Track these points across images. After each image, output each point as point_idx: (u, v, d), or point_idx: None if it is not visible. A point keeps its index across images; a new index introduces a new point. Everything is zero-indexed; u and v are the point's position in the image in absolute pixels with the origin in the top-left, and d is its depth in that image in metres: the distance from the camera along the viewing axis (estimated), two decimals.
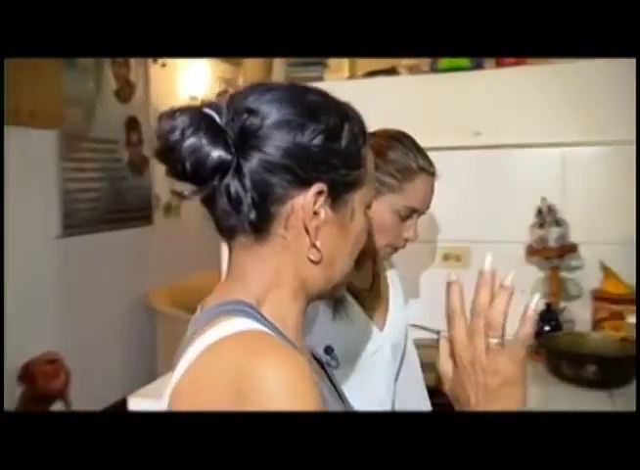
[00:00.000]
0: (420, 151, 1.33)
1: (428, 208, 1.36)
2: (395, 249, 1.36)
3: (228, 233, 0.76)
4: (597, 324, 1.96)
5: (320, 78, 2.24)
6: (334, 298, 1.23)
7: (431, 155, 1.33)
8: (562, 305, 2.02)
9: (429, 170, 1.32)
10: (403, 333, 1.49)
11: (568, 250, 2.04)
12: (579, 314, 2.02)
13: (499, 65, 2.05)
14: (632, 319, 1.85)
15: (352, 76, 2.29)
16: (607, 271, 1.98)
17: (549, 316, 1.95)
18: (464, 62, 2.08)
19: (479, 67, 2.08)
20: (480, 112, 2.05)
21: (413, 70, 2.17)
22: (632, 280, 1.93)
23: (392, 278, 1.52)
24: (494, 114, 2.03)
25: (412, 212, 1.32)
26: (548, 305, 1.97)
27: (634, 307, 1.89)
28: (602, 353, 1.77)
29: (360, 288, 1.37)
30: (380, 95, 2.11)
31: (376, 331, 1.38)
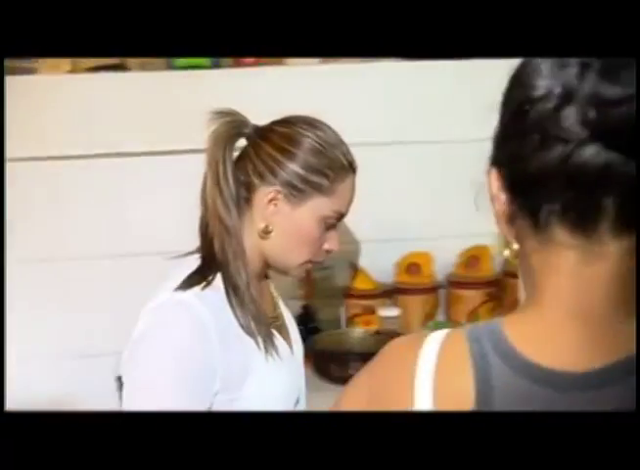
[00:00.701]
0: (349, 150, 1.14)
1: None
2: (315, 263, 1.17)
3: None
4: (350, 320, 2.00)
5: (32, 70, 1.95)
6: None
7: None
8: (317, 305, 2.04)
9: (355, 169, 1.14)
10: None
11: None
12: (334, 313, 2.05)
13: (238, 64, 2.00)
14: (383, 312, 1.92)
15: (74, 71, 2.03)
16: (355, 269, 2.03)
17: (307, 319, 1.94)
18: (203, 60, 1.97)
19: (216, 66, 2.00)
20: None
21: (146, 67, 2.00)
22: (379, 276, 2.03)
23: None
24: None
25: (339, 219, 1.13)
26: (305, 308, 1.97)
27: (384, 301, 1.99)
28: (367, 349, 1.80)
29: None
30: (107, 93, 1.92)
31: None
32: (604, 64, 0.51)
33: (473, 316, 1.96)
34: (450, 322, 1.98)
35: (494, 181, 0.60)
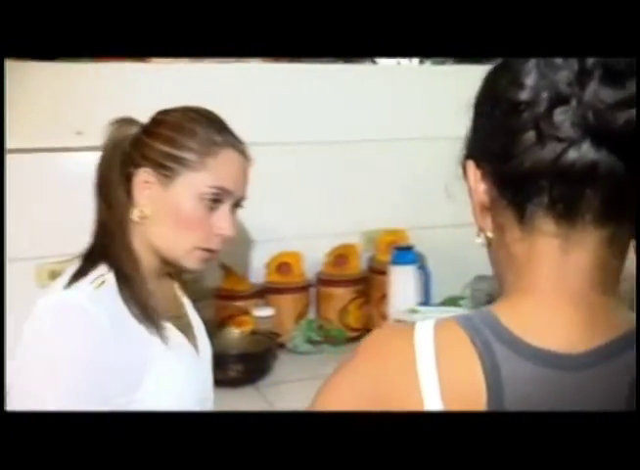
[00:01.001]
0: (227, 128, 1.12)
1: (244, 197, 1.12)
2: (210, 251, 1.10)
3: None
4: (223, 322, 1.97)
5: None
6: None
7: None
8: None
9: (237, 147, 1.10)
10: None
11: None
12: (205, 315, 2.00)
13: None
14: (257, 313, 1.92)
15: None
16: (226, 270, 2.00)
17: None
18: None
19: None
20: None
21: None
22: (250, 276, 2.02)
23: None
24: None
25: (222, 196, 1.08)
26: None
27: (256, 301, 1.98)
28: (244, 350, 1.78)
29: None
30: None
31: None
32: (603, 66, 0.55)
33: (343, 313, 2.02)
34: (322, 320, 2.03)
35: (472, 173, 0.63)
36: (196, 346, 1.18)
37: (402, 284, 1.90)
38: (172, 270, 1.16)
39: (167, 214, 1.06)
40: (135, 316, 1.03)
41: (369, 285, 2.08)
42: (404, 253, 1.94)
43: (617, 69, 0.55)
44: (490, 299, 1.72)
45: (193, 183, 1.06)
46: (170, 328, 1.09)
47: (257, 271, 2.05)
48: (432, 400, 0.57)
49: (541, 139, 0.56)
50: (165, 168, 1.05)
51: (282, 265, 2.04)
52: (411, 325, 0.62)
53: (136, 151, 1.07)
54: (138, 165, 1.06)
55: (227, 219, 1.09)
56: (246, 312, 1.95)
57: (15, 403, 0.94)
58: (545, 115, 0.55)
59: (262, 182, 2.05)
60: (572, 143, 0.55)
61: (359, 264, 2.09)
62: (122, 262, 1.04)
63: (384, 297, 1.96)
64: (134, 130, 1.10)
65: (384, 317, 1.94)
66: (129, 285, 1.03)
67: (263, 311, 1.92)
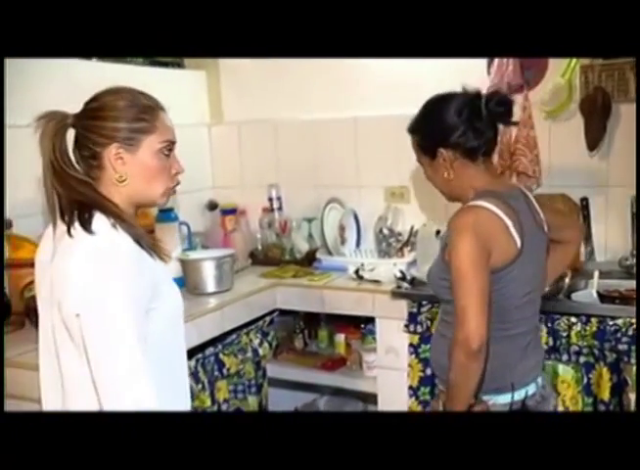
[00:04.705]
0: (147, 94, 1.41)
1: (176, 141, 1.44)
2: (172, 189, 1.44)
3: None
4: None
5: None
6: None
7: None
8: None
9: (161, 105, 1.42)
10: None
11: None
12: None
13: None
14: None
15: None
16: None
17: None
18: None
19: None
20: None
21: None
22: None
23: None
24: None
25: (170, 145, 1.41)
26: None
27: None
28: None
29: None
30: None
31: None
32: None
33: None
34: None
35: (447, 156, 1.66)
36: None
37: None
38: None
39: (141, 173, 1.37)
40: (146, 247, 1.35)
41: None
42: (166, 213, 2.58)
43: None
44: None
45: (151, 144, 1.37)
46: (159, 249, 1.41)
47: None
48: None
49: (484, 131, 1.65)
50: (131, 140, 1.35)
51: None
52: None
53: (99, 135, 1.34)
54: (105, 145, 1.34)
55: (177, 161, 1.44)
56: None
57: (88, 315, 1.21)
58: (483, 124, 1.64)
59: None
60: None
61: None
62: (118, 212, 1.34)
63: None
64: (66, 119, 1.34)
65: None
66: (130, 225, 1.34)
67: None
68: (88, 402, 1.15)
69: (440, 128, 1.63)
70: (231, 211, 3.08)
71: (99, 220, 1.32)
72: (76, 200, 1.33)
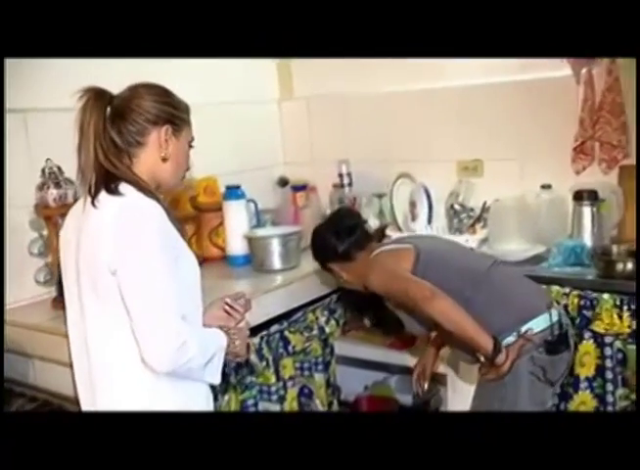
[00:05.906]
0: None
1: None
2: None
3: None
4: None
5: None
6: None
7: None
8: None
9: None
10: None
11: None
12: None
13: None
14: None
15: None
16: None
17: None
18: None
19: None
20: None
21: None
22: None
23: None
24: None
25: (193, 141, 1.59)
26: None
27: None
28: None
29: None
30: None
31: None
32: None
33: None
34: None
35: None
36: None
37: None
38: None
39: (178, 156, 1.54)
40: (172, 218, 1.44)
41: None
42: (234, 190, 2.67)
43: None
44: None
45: (187, 135, 1.56)
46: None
47: None
48: None
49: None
50: (179, 126, 1.53)
51: None
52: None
53: (151, 114, 1.47)
54: (156, 124, 1.48)
55: (189, 155, 1.60)
56: None
57: (125, 270, 1.34)
58: None
59: None
60: None
61: None
62: (140, 184, 1.45)
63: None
64: (104, 96, 1.44)
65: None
66: (152, 195, 1.44)
67: None
68: (112, 359, 1.29)
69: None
70: (302, 188, 3.08)
71: (126, 187, 1.42)
72: (107, 172, 1.42)
